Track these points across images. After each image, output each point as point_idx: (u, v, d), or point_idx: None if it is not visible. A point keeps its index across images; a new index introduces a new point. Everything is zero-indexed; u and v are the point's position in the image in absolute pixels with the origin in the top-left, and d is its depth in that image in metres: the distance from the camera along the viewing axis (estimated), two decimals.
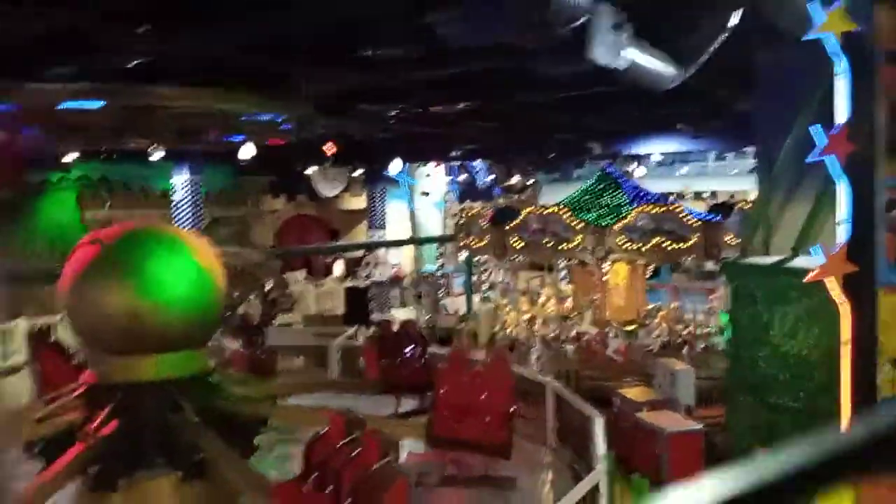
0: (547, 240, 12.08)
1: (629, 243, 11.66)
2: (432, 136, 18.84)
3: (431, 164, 26.93)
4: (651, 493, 6.97)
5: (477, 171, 31.03)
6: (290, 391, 10.19)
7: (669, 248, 11.71)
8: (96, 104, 8.57)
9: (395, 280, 27.60)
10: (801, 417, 7.11)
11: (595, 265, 13.28)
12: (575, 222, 11.83)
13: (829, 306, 6.73)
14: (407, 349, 11.95)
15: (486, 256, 28.00)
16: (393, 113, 14.22)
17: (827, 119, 8.09)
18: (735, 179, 28.63)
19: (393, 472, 5.62)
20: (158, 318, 7.63)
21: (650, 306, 14.13)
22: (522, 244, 12.40)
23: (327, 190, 24.54)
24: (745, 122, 14.09)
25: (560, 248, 11.96)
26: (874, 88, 6.14)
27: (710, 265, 17.16)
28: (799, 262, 7.43)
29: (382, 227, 26.72)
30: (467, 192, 33.24)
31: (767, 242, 9.40)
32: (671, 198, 16.00)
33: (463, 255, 34.47)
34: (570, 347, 13.52)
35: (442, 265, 28.97)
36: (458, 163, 29.11)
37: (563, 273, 30.17)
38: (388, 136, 19.42)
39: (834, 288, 6.44)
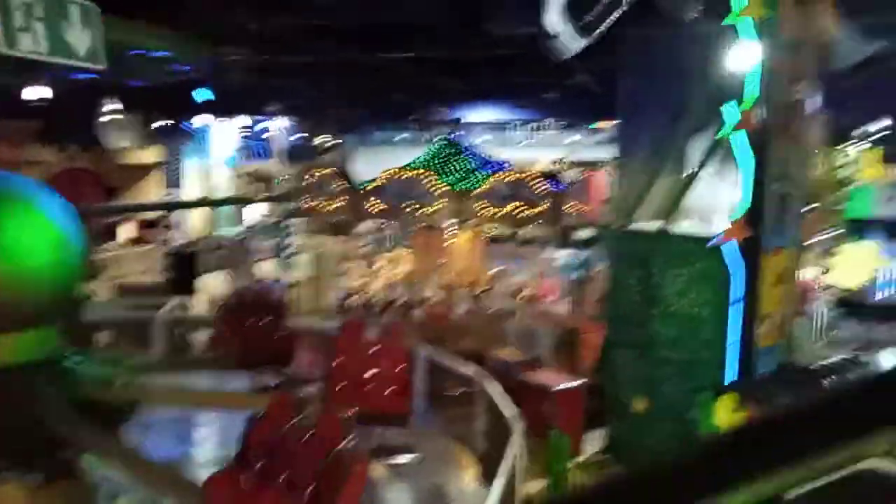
0: (407, 204, 11.86)
1: (488, 209, 11.91)
2: (253, 87, 17.48)
3: (241, 118, 24.99)
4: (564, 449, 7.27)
5: (278, 130, 29.48)
6: (142, 372, 8.94)
7: (524, 215, 12.20)
8: None
9: (192, 244, 25.46)
10: (685, 368, 7.86)
11: (441, 230, 13.39)
12: (437, 187, 11.77)
13: (718, 269, 7.46)
14: (264, 319, 11.07)
15: (294, 220, 26.87)
16: (230, 58, 12.85)
17: (697, 99, 8.83)
18: (531, 150, 30.56)
19: (353, 455, 5.16)
20: (12, 291, 6.19)
21: (494, 270, 14.64)
22: (382, 208, 12.05)
23: (118, 140, 21.61)
24: (582, 94, 14.99)
25: (421, 212, 11.83)
26: (778, 73, 6.82)
27: (508, 231, 18.09)
28: (683, 229, 8.11)
29: (178, 185, 24.33)
30: (264, 151, 31.47)
31: (631, 212, 10.10)
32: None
33: (250, 218, 32.75)
34: (417, 312, 13.54)
35: (248, 228, 27.27)
36: (262, 120, 27.43)
37: (368, 238, 30.08)
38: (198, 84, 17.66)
39: (731, 251, 7.11)
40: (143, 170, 28.98)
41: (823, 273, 9.66)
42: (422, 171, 12.26)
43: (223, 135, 28.34)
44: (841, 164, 14.98)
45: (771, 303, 7.30)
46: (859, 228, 13.00)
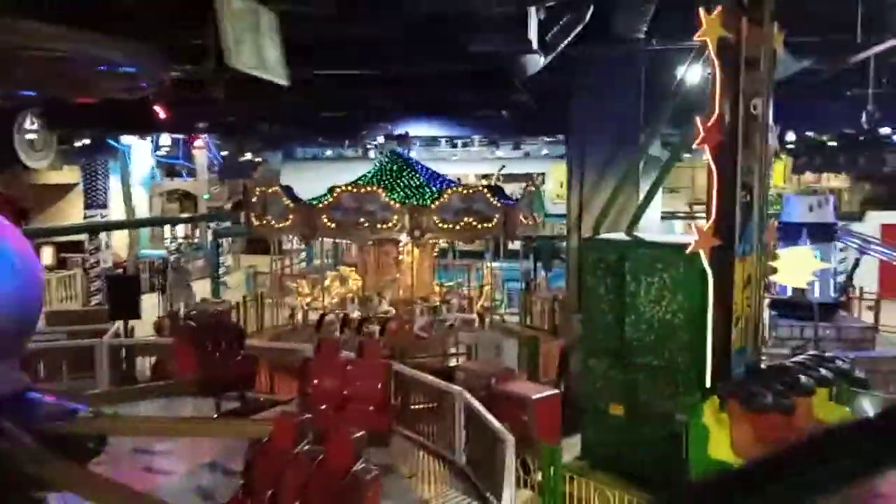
0: (363, 219, 11.77)
1: (443, 223, 11.98)
2: (185, 103, 16.83)
3: (163, 136, 24.09)
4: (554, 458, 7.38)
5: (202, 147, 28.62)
6: (106, 402, 8.47)
7: (478, 228, 12.35)
8: None
9: (116, 267, 24.34)
10: (662, 373, 8.14)
11: (396, 245, 13.37)
12: (392, 202, 11.74)
13: (691, 276, 7.80)
14: (223, 343, 10.74)
15: (227, 240, 26.10)
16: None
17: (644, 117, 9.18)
18: (460, 165, 31.01)
19: (366, 476, 5.09)
20: None
21: (450, 283, 14.70)
22: (335, 224, 11.89)
23: (35, 161, 20.37)
24: (519, 112, 15.33)
25: (377, 227, 11.75)
26: (738, 89, 7.24)
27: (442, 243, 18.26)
28: (653, 237, 8.43)
29: (105, 205, 23.22)
30: (188, 169, 30.45)
31: (586, 222, 10.41)
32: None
33: (173, 238, 31.59)
34: (375, 328, 13.43)
35: (176, 249, 26.30)
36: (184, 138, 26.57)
37: (302, 255, 29.53)
38: (122, 101, 16.86)
39: (703, 258, 7.46)
40: (60, 190, 27.43)
41: (769, 275, 10.25)
42: (373, 186, 12.22)
43: (142, 153, 27.29)
44: None
45: (740, 307, 7.69)
46: (787, 233, 13.88)
